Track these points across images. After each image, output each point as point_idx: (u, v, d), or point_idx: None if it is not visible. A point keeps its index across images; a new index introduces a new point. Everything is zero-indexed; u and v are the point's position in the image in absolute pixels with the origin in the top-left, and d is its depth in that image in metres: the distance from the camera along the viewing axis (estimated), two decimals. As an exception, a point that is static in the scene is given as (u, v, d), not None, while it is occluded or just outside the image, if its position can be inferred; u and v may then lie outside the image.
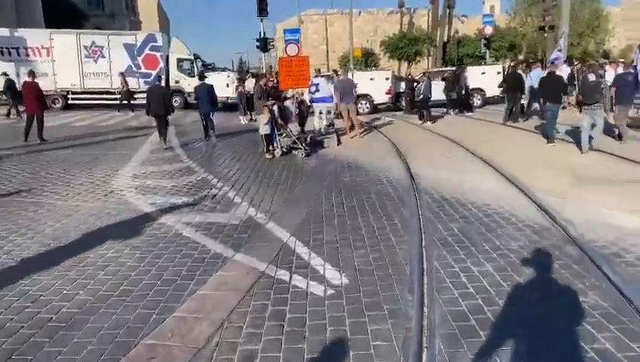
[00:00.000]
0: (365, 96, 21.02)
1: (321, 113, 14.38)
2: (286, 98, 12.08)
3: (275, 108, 10.85)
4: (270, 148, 10.68)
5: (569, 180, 7.47)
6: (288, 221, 5.91)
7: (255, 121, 13.16)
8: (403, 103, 21.00)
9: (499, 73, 21.63)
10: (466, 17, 61.80)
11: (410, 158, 9.80)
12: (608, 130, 10.81)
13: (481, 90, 21.47)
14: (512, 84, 15.82)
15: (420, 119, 16.43)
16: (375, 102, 21.10)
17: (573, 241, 4.86)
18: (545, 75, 12.83)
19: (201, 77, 16.67)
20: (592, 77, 10.02)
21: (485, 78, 21.36)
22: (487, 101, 21.62)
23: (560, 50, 16.83)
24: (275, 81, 14.32)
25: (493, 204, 6.32)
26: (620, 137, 10.80)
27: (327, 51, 62.04)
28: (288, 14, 62.21)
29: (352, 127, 13.49)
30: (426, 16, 52.36)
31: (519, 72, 17.02)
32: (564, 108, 16.32)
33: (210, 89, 14.66)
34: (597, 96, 9.69)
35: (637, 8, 55.22)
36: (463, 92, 19.23)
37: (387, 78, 21.22)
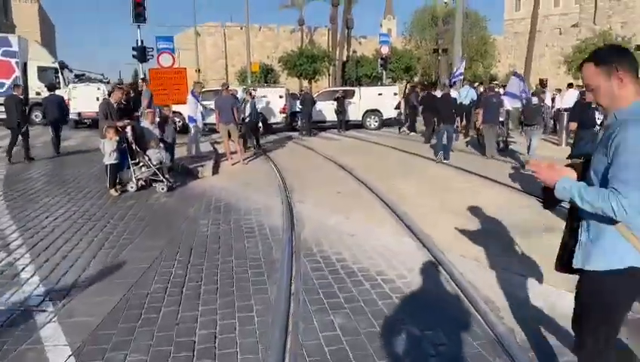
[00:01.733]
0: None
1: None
2: (139, 118, 9.79)
3: (129, 130, 8.58)
4: (119, 181, 8.39)
5: (483, 230, 6.12)
6: (86, 316, 3.77)
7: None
8: (299, 123, 19.48)
9: (395, 94, 21.01)
10: (364, 38, 62.95)
11: (296, 195, 8.06)
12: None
13: (378, 111, 20.59)
14: (428, 105, 15.39)
15: (246, 147, 13.30)
16: (269, 122, 19.30)
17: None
18: (439, 96, 13.84)
19: (51, 88, 14.21)
20: (534, 100, 11.86)
21: (382, 99, 20.55)
22: (385, 123, 20.79)
23: (461, 74, 17.00)
24: (135, 95, 11.95)
25: (390, 272, 4.67)
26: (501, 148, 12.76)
27: (227, 65, 59.71)
28: (185, 26, 58.94)
29: (235, 152, 11.56)
30: (326, 35, 52.14)
31: (434, 93, 16.55)
32: (464, 134, 15.90)
33: (60, 101, 13.12)
34: (537, 119, 10.93)
35: (515, 37, 60.11)
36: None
37: (281, 96, 19.55)
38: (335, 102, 19.59)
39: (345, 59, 40.51)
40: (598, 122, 8.76)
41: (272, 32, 63.03)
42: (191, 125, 11.77)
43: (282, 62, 39.38)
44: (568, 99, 15.69)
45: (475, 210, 6.89)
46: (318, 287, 4.34)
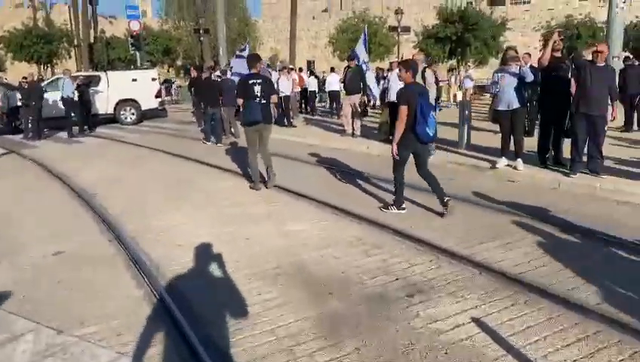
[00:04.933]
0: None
1: None
2: None
3: None
4: None
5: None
6: None
7: None
8: (23, 124, 14.36)
9: (154, 80, 17.48)
10: (115, 19, 55.45)
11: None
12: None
13: (135, 101, 16.76)
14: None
15: None
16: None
17: None
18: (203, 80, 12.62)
19: None
20: None
21: (138, 85, 16.78)
22: (145, 115, 17.14)
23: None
24: None
25: None
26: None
27: None
28: None
29: None
30: (67, 13, 43.69)
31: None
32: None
33: None
34: None
35: (274, 21, 60.78)
36: None
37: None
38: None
39: (92, 40, 34.19)
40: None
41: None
42: None
43: (4, 43, 31.07)
44: (332, 81, 16.67)
45: (312, 277, 4.54)
46: None
